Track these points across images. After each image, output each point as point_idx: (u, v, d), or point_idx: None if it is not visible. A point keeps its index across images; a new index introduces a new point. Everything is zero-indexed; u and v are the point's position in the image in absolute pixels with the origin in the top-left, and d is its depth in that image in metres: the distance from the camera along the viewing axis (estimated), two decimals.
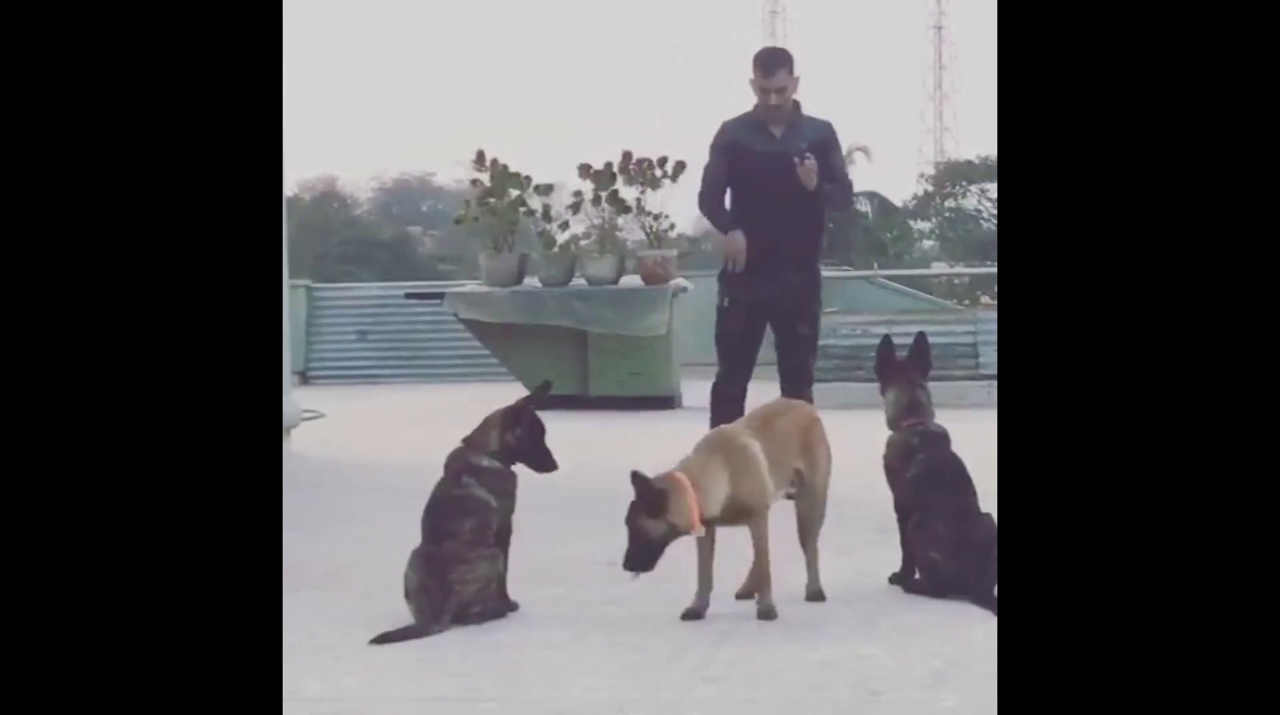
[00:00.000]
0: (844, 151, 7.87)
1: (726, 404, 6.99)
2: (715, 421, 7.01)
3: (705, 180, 7.22)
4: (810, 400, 7.16)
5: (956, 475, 4.86)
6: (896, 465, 4.96)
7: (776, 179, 6.90)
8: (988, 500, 6.91)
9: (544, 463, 4.63)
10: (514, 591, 4.49)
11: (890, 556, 5.50)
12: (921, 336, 5.11)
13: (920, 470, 4.87)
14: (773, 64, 6.94)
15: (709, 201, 7.17)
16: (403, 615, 4.29)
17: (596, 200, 12.39)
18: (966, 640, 4.10)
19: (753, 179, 6.98)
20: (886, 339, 5.12)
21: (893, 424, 5.04)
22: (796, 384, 7.14)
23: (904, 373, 5.06)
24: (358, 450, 9.61)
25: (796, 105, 7.04)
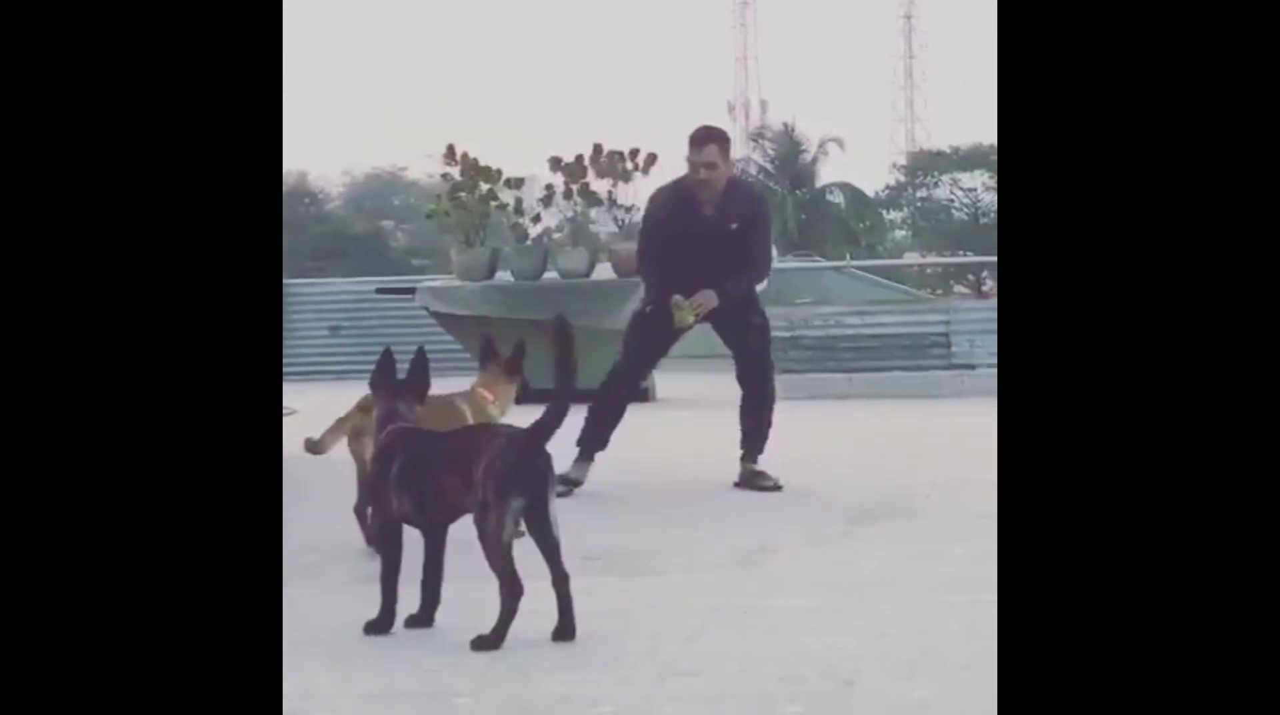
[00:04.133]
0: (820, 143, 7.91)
1: (613, 402, 7.13)
2: (596, 416, 7.14)
3: (640, 248, 7.37)
4: (771, 385, 7.24)
5: None
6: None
7: (704, 256, 7.02)
8: (982, 489, 6.94)
9: None
10: (484, 586, 4.47)
11: (864, 547, 5.50)
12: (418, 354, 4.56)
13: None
14: (703, 139, 7.00)
15: (643, 268, 7.30)
16: (372, 613, 4.26)
17: (568, 193, 12.37)
18: (940, 631, 4.10)
19: (683, 255, 7.08)
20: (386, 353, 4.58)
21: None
22: (758, 371, 7.20)
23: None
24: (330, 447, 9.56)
25: (731, 180, 7.16)
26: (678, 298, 6.98)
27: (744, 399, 7.25)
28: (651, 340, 7.24)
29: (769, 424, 7.21)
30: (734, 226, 7.04)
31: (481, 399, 5.84)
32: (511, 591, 4.01)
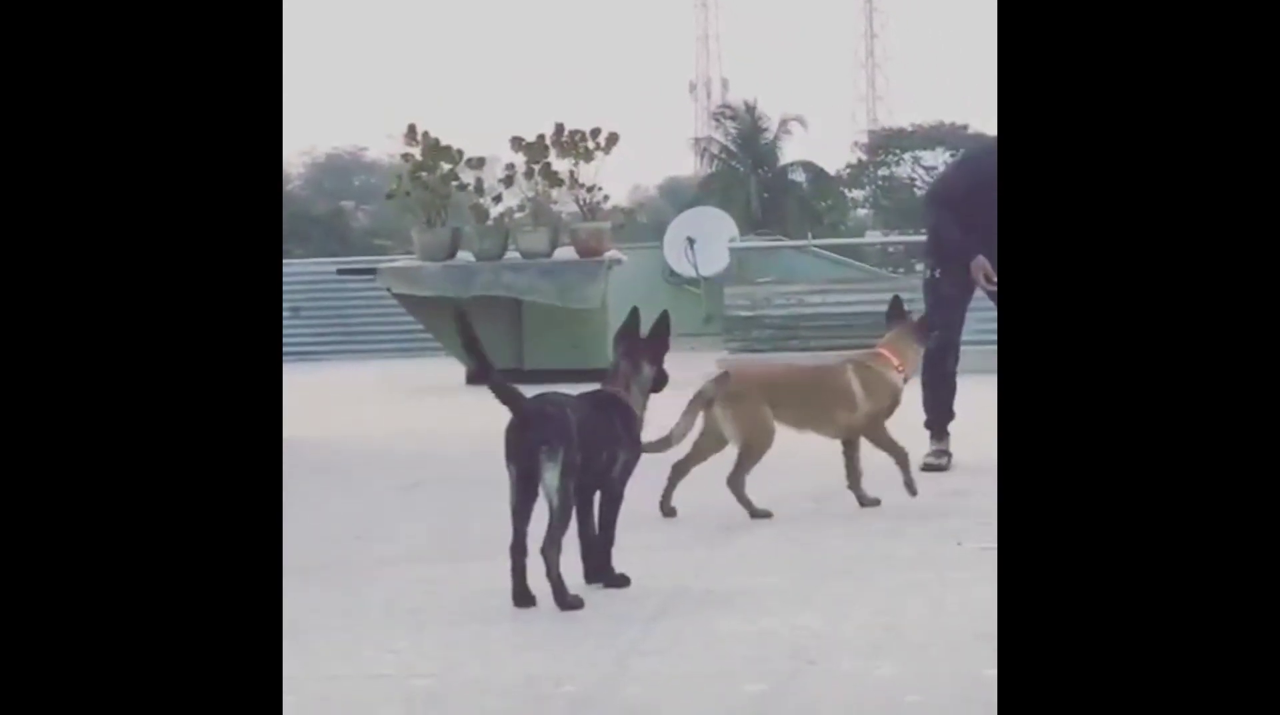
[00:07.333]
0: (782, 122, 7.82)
1: (945, 376, 6.99)
2: (934, 395, 6.97)
3: (934, 191, 7.27)
4: None
5: None
6: None
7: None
8: (945, 469, 6.93)
9: None
10: (448, 567, 4.46)
11: (827, 526, 5.51)
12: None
13: None
14: None
15: (942, 218, 7.11)
16: (341, 596, 4.26)
17: (529, 173, 12.34)
18: (902, 610, 4.11)
19: (982, 208, 6.53)
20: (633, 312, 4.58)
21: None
22: None
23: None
24: (292, 429, 9.53)
25: None
26: (985, 262, 6.78)
27: None
28: (947, 299, 6.99)
29: None
30: None
31: (883, 361, 5.78)
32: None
